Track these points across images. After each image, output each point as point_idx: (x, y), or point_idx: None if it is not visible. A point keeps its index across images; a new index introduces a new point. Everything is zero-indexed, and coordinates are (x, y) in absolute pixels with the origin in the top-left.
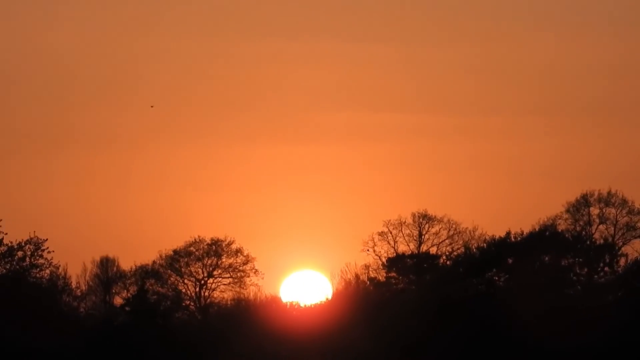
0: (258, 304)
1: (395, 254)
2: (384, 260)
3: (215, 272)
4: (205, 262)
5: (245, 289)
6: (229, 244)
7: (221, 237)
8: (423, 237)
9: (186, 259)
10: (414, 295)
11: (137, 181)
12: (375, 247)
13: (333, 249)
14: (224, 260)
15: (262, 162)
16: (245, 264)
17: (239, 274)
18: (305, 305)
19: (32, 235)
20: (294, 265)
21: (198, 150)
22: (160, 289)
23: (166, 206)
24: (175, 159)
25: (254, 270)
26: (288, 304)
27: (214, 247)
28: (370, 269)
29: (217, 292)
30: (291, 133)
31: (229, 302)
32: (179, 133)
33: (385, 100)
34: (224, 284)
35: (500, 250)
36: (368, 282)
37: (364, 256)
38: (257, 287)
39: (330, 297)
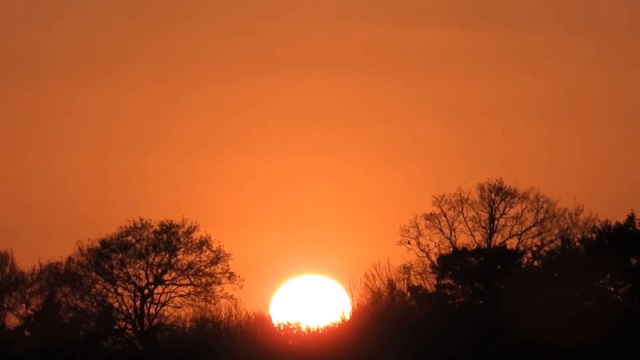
0: (234, 327)
1: (451, 249)
2: (433, 258)
3: (166, 276)
4: (150, 259)
5: (215, 304)
6: (190, 231)
7: (177, 220)
8: (496, 222)
9: (120, 255)
10: (482, 315)
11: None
12: (421, 238)
13: (352, 242)
14: (180, 256)
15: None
16: (214, 263)
17: (204, 279)
18: (308, 329)
19: None
20: (292, 268)
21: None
22: (79, 302)
23: (87, 172)
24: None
25: (227, 274)
26: (282, 326)
27: (165, 235)
28: (413, 272)
29: (170, 308)
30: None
31: (188, 324)
32: None
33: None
34: (181, 295)
35: (622, 243)
36: (408, 294)
37: (401, 252)
38: (234, 300)
39: (348, 316)
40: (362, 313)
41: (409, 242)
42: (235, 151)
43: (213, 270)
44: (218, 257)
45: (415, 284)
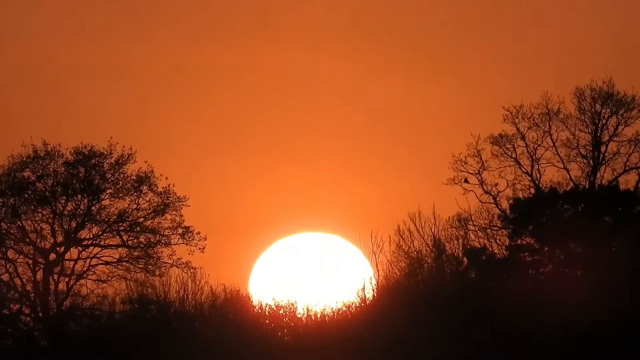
0: (192, 311)
1: (533, 190)
2: (505, 205)
3: (84, 233)
4: (60, 207)
5: (162, 276)
6: (121, 162)
7: (100, 145)
8: (604, 148)
9: (12, 201)
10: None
11: None
12: (485, 174)
13: (375, 181)
14: (106, 202)
15: None
16: (160, 212)
17: (144, 238)
18: (309, 315)
19: None
20: (284, 223)
21: None
22: None
23: None
24: None
25: (181, 231)
26: (267, 309)
27: (82, 168)
28: (472, 226)
29: (91, 283)
30: None
31: (118, 307)
32: None
33: None
34: (108, 262)
35: None
36: (465, 259)
37: (453, 195)
38: (191, 270)
39: (370, 294)
40: (391, 290)
41: (466, 180)
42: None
43: (158, 224)
44: (166, 204)
45: (476, 244)
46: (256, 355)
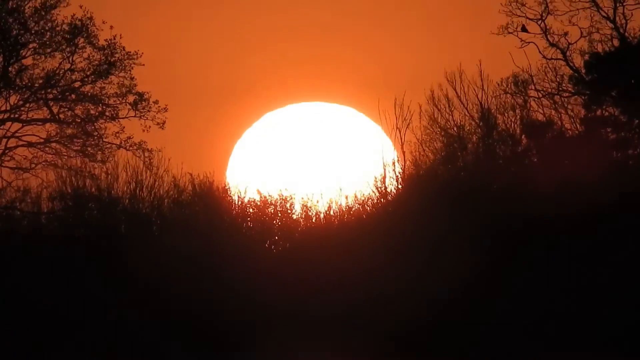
0: (146, 210)
1: (618, 41)
2: (578, 62)
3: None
4: None
5: (104, 161)
6: (53, 1)
7: None
8: None
9: None
10: None
11: None
12: (549, 19)
13: (400, 31)
14: (27, 55)
15: None
16: (102, 73)
17: (79, 109)
18: (315, 214)
19: None
20: (276, 90)
21: None
22: None
23: None
24: None
25: (131, 97)
26: (251, 205)
27: None
28: (533, 91)
29: (6, 172)
30: None
31: (46, 206)
32: None
33: None
34: (31, 144)
35: None
36: (523, 137)
37: (506, 49)
38: (146, 154)
39: (393, 185)
40: (422, 180)
41: (524, 28)
42: None
43: (100, 91)
44: (110, 63)
45: (540, 116)
46: (235, 271)
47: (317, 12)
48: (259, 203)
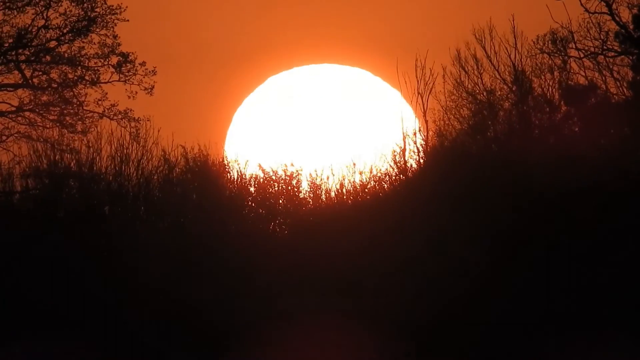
0: (138, 188)
1: None
2: (625, 15)
3: None
4: None
5: (89, 131)
6: None
7: None
8: None
9: None
10: None
11: None
12: None
13: None
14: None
15: None
16: (85, 28)
17: (56, 73)
18: (324, 191)
19: None
20: (279, 49)
21: None
22: None
23: None
24: None
25: (115, 58)
26: (251, 181)
27: None
28: (575, 49)
29: None
30: None
31: (19, 184)
32: None
33: None
34: (5, 113)
35: None
36: (563, 103)
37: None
38: (133, 124)
39: (414, 160)
40: (447, 153)
41: None
42: None
43: (79, 51)
44: (91, 18)
45: (581, 79)
46: (234, 257)
47: None
48: (261, 180)
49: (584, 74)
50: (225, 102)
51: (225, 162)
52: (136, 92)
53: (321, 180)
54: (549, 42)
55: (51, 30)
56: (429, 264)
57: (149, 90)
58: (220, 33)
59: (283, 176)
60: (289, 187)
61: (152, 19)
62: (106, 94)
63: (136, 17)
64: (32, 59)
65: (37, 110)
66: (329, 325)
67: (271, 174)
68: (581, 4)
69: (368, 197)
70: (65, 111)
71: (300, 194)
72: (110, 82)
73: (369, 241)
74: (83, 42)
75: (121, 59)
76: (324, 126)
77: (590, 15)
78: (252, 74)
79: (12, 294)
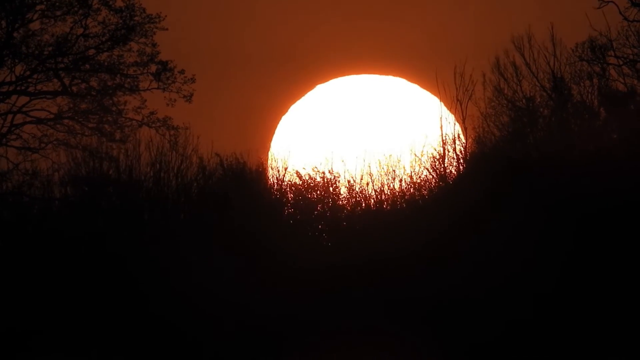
0: (177, 195)
1: None
2: None
3: (2, 75)
4: None
5: (128, 139)
6: None
7: None
8: None
9: None
10: None
11: None
12: None
13: None
14: (36, 22)
15: None
16: (124, 36)
17: (95, 81)
18: (363, 197)
19: None
20: (322, 58)
21: None
22: None
23: None
24: None
25: (157, 66)
26: (289, 186)
27: None
28: (614, 57)
29: (14, 153)
30: None
31: (58, 192)
32: None
33: None
34: (40, 119)
35: None
36: (602, 109)
37: (581, 6)
38: (172, 132)
39: (454, 167)
40: (487, 160)
41: None
42: None
43: (118, 59)
44: (129, 27)
45: (621, 85)
46: (270, 262)
47: None
48: (299, 187)
49: (622, 81)
50: (267, 108)
51: (261, 169)
52: (175, 100)
53: (360, 186)
54: (588, 49)
55: (90, 39)
56: (470, 270)
57: (188, 97)
58: (262, 41)
59: (320, 182)
60: (327, 194)
61: (190, 25)
62: (145, 101)
63: (177, 24)
64: (71, 67)
65: (76, 117)
66: (371, 328)
67: (309, 180)
68: (620, 12)
69: (407, 202)
70: (104, 119)
71: (338, 201)
72: (149, 89)
73: (408, 248)
74: (122, 50)
75: (160, 67)
76: (365, 133)
77: (630, 23)
78: (299, 81)
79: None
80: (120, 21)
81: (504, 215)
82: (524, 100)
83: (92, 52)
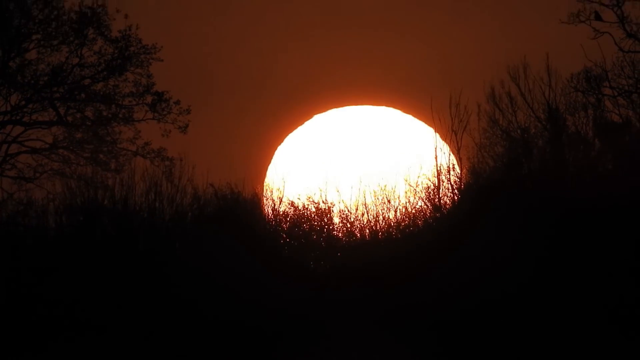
0: (171, 225)
1: None
2: None
3: None
4: None
5: (123, 169)
6: None
7: None
8: None
9: None
10: None
11: None
12: (623, 3)
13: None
14: (32, 52)
15: None
16: (119, 66)
17: (95, 108)
18: (357, 228)
19: None
20: (318, 90)
21: None
22: None
23: None
24: None
25: (152, 97)
26: (284, 216)
27: None
28: (609, 88)
29: (9, 182)
30: None
31: (53, 220)
32: None
33: None
34: (39, 150)
35: None
36: (597, 141)
37: (576, 37)
38: (164, 163)
39: (448, 197)
40: (482, 191)
41: (597, 16)
42: None
43: (113, 90)
44: (125, 57)
45: (616, 117)
46: (264, 294)
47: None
48: (293, 217)
49: (617, 112)
50: (263, 138)
51: (255, 199)
52: (170, 131)
53: (354, 216)
54: (583, 80)
55: (86, 69)
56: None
57: (183, 128)
58: (258, 72)
59: (313, 212)
60: (321, 224)
61: (186, 55)
62: (139, 132)
63: (173, 53)
64: (67, 96)
65: (71, 147)
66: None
67: (302, 210)
68: (615, 43)
69: (402, 234)
70: (99, 149)
71: (332, 232)
72: (144, 120)
73: (403, 280)
74: (117, 80)
75: (155, 97)
76: (360, 163)
77: (625, 53)
78: (294, 112)
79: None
80: (116, 51)
81: (500, 249)
82: (518, 131)
83: (87, 81)
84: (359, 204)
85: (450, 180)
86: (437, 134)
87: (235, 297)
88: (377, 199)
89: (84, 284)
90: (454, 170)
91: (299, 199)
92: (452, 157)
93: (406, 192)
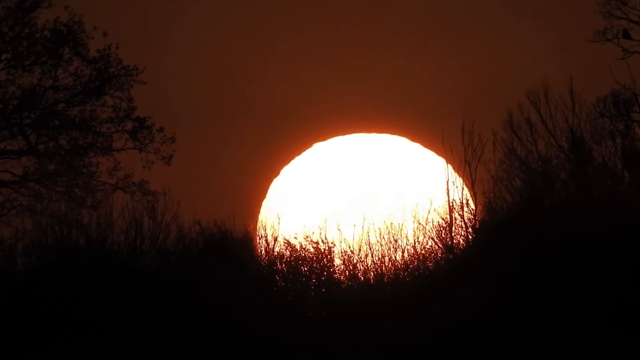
0: (155, 265)
1: None
2: None
3: None
4: None
5: (101, 205)
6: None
7: None
8: None
9: None
10: None
11: None
12: None
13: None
14: (2, 72)
15: None
16: (97, 89)
17: (70, 136)
18: (361, 271)
19: None
20: (318, 117)
21: None
22: None
23: None
24: None
25: (133, 123)
26: (286, 251)
27: None
28: None
29: None
30: None
31: (29, 259)
32: None
33: None
34: (8, 183)
35: None
36: (626, 173)
37: (602, 57)
38: (147, 198)
39: (467, 236)
40: (499, 230)
41: (625, 34)
42: None
43: (91, 115)
44: (104, 79)
45: None
46: (256, 343)
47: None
48: (288, 257)
49: None
50: (256, 170)
51: (248, 238)
52: (152, 162)
53: (358, 258)
54: (611, 104)
55: (60, 92)
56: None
57: (167, 160)
58: (250, 98)
59: (315, 254)
60: (320, 266)
61: (170, 79)
62: (119, 163)
63: (152, 77)
64: (39, 122)
65: (42, 180)
66: None
67: (300, 251)
68: None
69: (411, 278)
70: (74, 182)
71: (333, 274)
72: (124, 149)
73: (411, 329)
74: (95, 105)
75: (137, 124)
76: (362, 198)
77: None
78: (291, 141)
79: None
80: (94, 73)
81: (519, 295)
82: (539, 162)
83: (61, 106)
84: (362, 244)
85: (463, 218)
86: (448, 165)
87: (224, 350)
88: (383, 238)
89: (55, 333)
90: (467, 207)
91: (295, 238)
92: (466, 191)
93: (415, 231)
